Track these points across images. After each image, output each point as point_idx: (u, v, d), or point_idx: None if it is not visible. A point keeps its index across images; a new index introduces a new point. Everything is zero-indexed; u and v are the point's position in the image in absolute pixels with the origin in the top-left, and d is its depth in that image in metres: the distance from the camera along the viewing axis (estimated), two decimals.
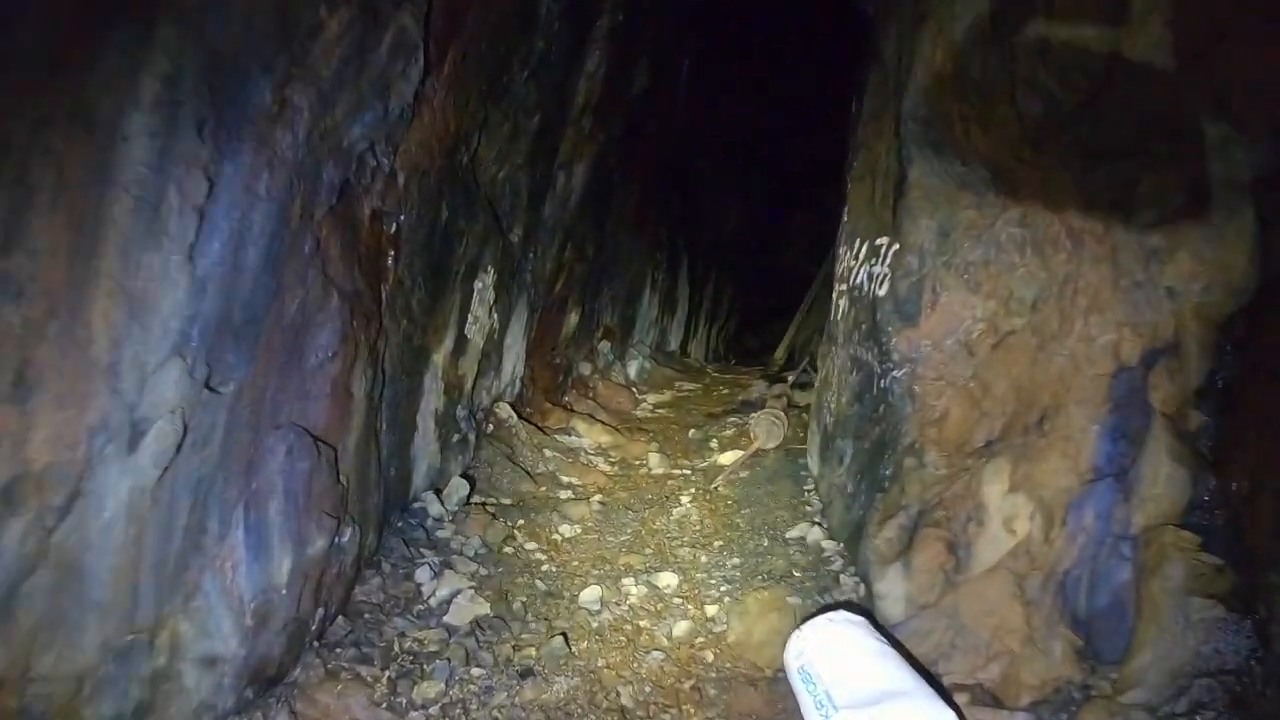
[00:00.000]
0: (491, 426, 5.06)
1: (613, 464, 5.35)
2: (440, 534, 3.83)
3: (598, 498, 4.57)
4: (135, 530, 2.12)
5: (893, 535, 3.30)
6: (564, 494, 4.64)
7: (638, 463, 5.38)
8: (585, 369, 7.04)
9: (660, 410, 7.00)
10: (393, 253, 3.28)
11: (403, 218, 3.30)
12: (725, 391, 8.05)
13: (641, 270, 8.68)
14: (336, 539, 3.04)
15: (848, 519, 3.68)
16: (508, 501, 4.45)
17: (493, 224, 4.48)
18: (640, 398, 7.31)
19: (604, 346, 7.59)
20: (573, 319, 6.69)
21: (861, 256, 3.83)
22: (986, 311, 3.27)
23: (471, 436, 4.70)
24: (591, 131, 5.84)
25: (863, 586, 3.30)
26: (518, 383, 5.66)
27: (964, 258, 3.30)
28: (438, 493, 4.12)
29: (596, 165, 6.14)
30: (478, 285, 4.36)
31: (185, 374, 2.10)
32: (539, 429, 5.47)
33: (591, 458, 5.40)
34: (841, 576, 3.38)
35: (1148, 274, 2.99)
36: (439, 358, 4.05)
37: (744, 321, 15.09)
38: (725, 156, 11.79)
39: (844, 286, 4.16)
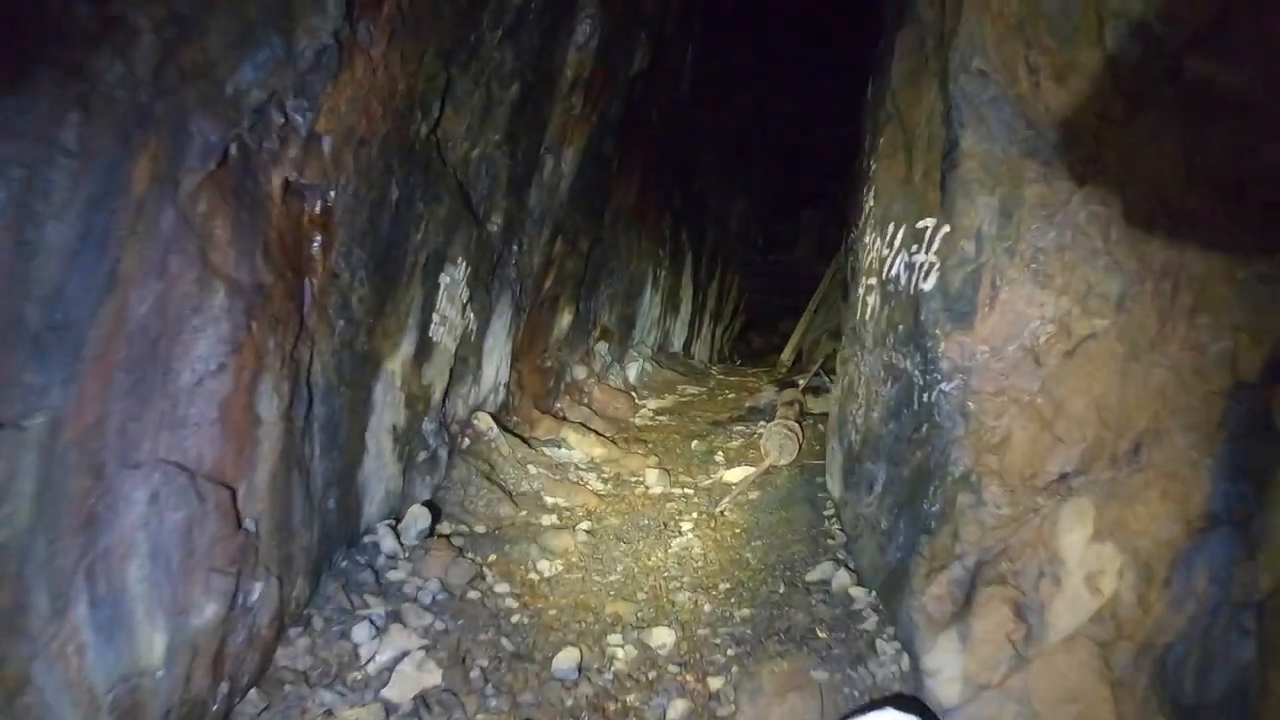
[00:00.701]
0: (468, 440, 4.33)
1: (605, 481, 4.62)
2: (392, 575, 3.10)
3: (585, 525, 3.84)
4: None
5: (944, 592, 2.55)
6: (547, 519, 3.91)
7: (634, 479, 4.64)
8: (580, 373, 6.31)
9: (661, 417, 6.26)
10: (320, 238, 2.55)
11: (333, 194, 2.58)
12: (731, 396, 7.31)
13: (642, 267, 7.93)
14: (240, 598, 2.33)
15: (881, 562, 2.94)
16: (481, 530, 3.72)
17: (464, 209, 3.74)
18: (640, 403, 6.57)
19: (601, 348, 6.85)
20: (565, 319, 5.95)
21: (898, 244, 3.08)
22: (1058, 310, 2.55)
23: (443, 453, 3.98)
24: (583, 111, 5.10)
25: (905, 656, 2.55)
26: (501, 389, 4.93)
27: (1031, 243, 2.57)
28: (396, 523, 3.40)
29: (590, 150, 5.39)
30: (444, 280, 3.63)
31: None
32: (524, 441, 4.75)
33: (582, 474, 4.67)
34: (878, 641, 2.63)
35: (1275, 264, 2.23)
36: (395, 365, 3.32)
37: (748, 321, 14.32)
38: (731, 149, 11.04)
39: (873, 280, 3.41)
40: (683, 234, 9.39)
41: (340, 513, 3.03)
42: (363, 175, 2.71)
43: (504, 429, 4.68)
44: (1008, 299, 2.60)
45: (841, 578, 3.01)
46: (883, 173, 3.62)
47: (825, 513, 3.85)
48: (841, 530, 3.56)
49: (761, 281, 14.00)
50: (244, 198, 2.13)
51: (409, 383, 3.50)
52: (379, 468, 3.34)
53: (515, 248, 4.70)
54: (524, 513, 3.96)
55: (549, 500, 4.17)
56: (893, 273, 3.08)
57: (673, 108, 7.94)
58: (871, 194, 3.81)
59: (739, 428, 5.77)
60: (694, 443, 5.38)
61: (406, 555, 3.24)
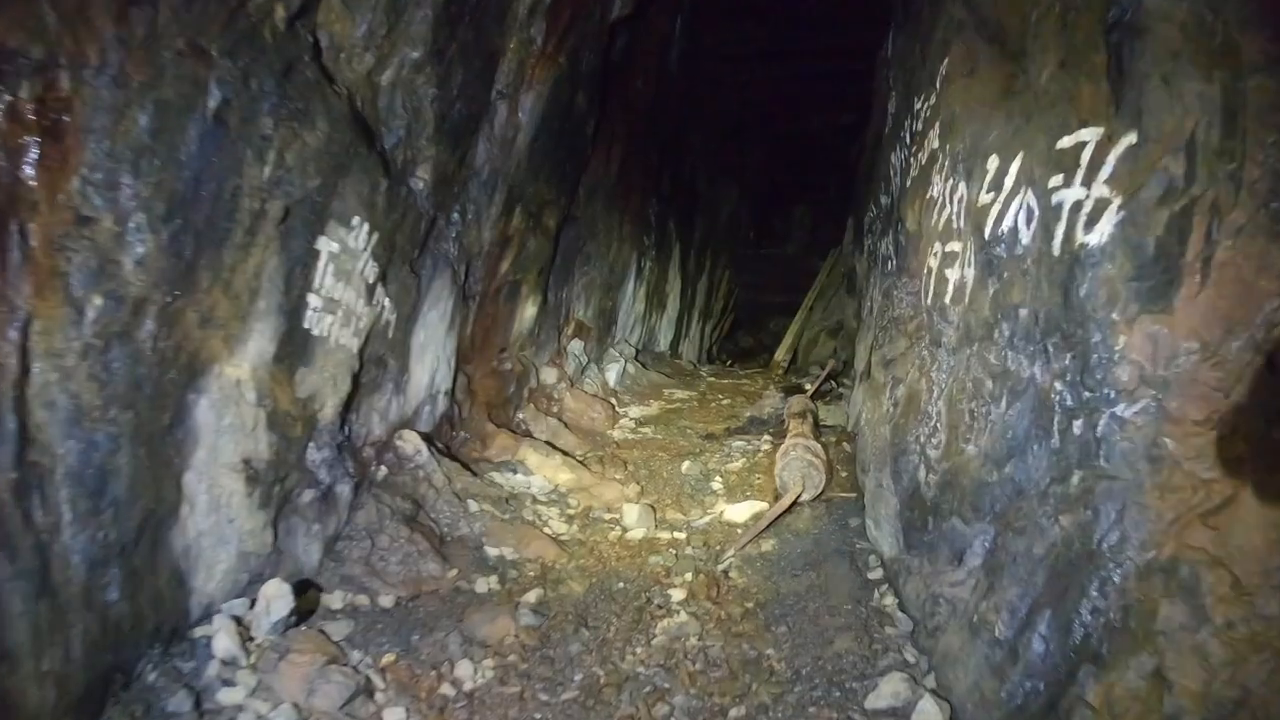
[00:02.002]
0: (385, 470, 3.16)
1: (570, 520, 3.46)
2: (225, 696, 1.94)
3: (534, 595, 2.67)
4: None
5: None
6: (483, 584, 2.75)
7: (607, 517, 3.49)
8: (549, 376, 5.14)
9: (644, 429, 5.11)
10: (40, 148, 1.39)
11: (69, 76, 1.41)
12: (725, 401, 6.17)
13: (625, 255, 6.77)
14: None
15: (997, 693, 1.79)
16: (388, 601, 2.57)
17: (360, 147, 2.57)
18: (620, 411, 5.42)
19: (575, 347, 5.69)
20: (529, 310, 4.79)
21: (1010, 182, 1.94)
22: None
23: (344, 489, 2.81)
24: (547, 48, 3.94)
25: None
26: (441, 399, 3.76)
27: (1270, 168, 1.46)
28: (248, 607, 2.23)
29: (557, 100, 4.23)
30: (328, 246, 2.46)
31: None
32: (466, 467, 3.58)
33: (540, 509, 3.51)
34: None
35: None
36: (239, 370, 2.15)
37: (737, 319, 13.16)
38: (723, 134, 9.89)
39: (955, 246, 2.28)
40: (670, 221, 8.23)
41: (141, 602, 1.87)
42: (139, 53, 1.55)
43: (441, 451, 3.52)
44: (1228, 261, 1.49)
45: (926, 711, 1.86)
46: (957, 97, 2.49)
47: (869, 574, 2.72)
48: (900, 608, 2.42)
49: (751, 277, 12.86)
50: None
51: (273, 395, 2.33)
52: (219, 523, 2.17)
53: (455, 215, 3.54)
54: (454, 572, 2.80)
55: (491, 551, 3.01)
56: (1004, 227, 1.94)
57: (660, 76, 6.79)
58: (935, 132, 2.68)
59: (739, 443, 4.64)
60: (684, 463, 4.22)
61: (252, 660, 2.07)
